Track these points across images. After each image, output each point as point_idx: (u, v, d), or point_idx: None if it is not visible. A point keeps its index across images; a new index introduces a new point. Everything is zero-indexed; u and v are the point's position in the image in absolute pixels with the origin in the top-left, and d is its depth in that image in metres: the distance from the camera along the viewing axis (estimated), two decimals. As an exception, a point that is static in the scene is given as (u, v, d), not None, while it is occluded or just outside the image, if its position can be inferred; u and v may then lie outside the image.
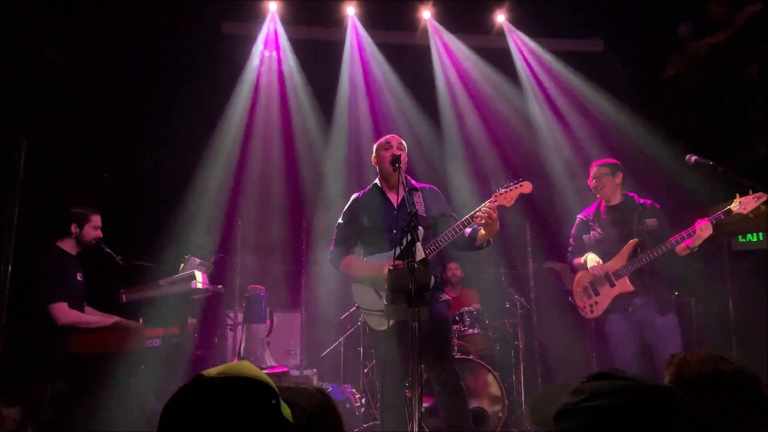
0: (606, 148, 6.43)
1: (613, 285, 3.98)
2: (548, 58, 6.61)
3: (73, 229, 3.97)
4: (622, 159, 6.28)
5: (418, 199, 3.60)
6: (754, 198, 3.60)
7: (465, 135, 6.74)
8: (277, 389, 1.14)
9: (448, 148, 6.75)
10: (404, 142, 3.74)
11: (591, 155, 6.46)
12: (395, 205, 3.60)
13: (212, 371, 1.11)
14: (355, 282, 3.68)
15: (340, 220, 3.78)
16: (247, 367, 1.13)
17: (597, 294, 4.08)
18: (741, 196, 3.64)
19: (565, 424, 1.03)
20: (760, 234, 5.28)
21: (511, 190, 3.41)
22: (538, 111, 6.67)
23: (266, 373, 1.15)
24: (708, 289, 5.10)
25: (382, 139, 3.74)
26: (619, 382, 1.03)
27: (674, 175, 6.05)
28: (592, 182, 4.20)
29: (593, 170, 4.21)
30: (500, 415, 4.70)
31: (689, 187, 5.93)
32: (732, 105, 5.48)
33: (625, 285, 3.94)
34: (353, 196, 3.82)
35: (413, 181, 3.78)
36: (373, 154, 3.75)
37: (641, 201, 4.14)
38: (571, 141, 6.60)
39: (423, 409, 3.30)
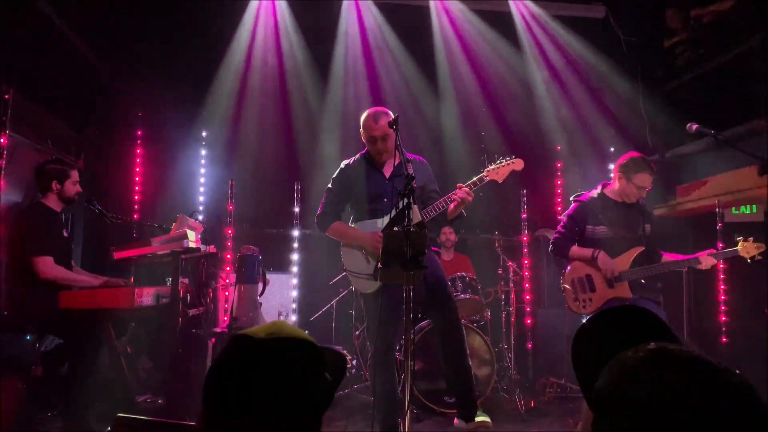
0: (605, 116, 6.38)
1: (611, 287, 3.85)
2: (550, 22, 6.49)
3: (54, 185, 3.94)
4: (620, 127, 6.28)
5: (409, 170, 3.60)
6: (756, 246, 3.71)
7: (462, 97, 6.65)
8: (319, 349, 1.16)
9: (444, 109, 6.67)
10: (390, 117, 3.41)
11: (590, 123, 6.42)
12: (386, 175, 3.64)
13: (258, 331, 1.11)
14: (344, 246, 3.72)
15: (329, 186, 3.78)
16: (290, 328, 1.15)
17: (593, 290, 3.90)
18: (744, 241, 3.74)
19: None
20: (754, 206, 5.29)
21: (503, 166, 3.48)
22: (537, 76, 6.58)
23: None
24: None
25: (368, 124, 3.58)
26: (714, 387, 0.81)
27: (673, 143, 6.04)
28: (639, 191, 3.90)
29: (652, 178, 3.90)
30: (490, 379, 4.75)
31: (686, 156, 5.93)
32: (734, 75, 5.41)
33: (623, 290, 3.83)
34: (343, 163, 3.80)
35: (406, 152, 3.73)
36: (361, 130, 3.67)
37: (643, 202, 4.04)
38: (570, 107, 6.53)
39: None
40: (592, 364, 1.03)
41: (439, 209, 3.47)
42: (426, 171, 3.75)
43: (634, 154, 3.99)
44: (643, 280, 3.90)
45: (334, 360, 1.24)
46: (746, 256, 3.71)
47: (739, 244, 3.75)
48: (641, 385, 0.83)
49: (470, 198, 3.39)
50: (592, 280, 3.92)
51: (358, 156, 3.80)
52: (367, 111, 3.66)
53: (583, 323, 1.22)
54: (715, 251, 3.83)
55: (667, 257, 3.93)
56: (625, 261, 3.87)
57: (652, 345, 0.89)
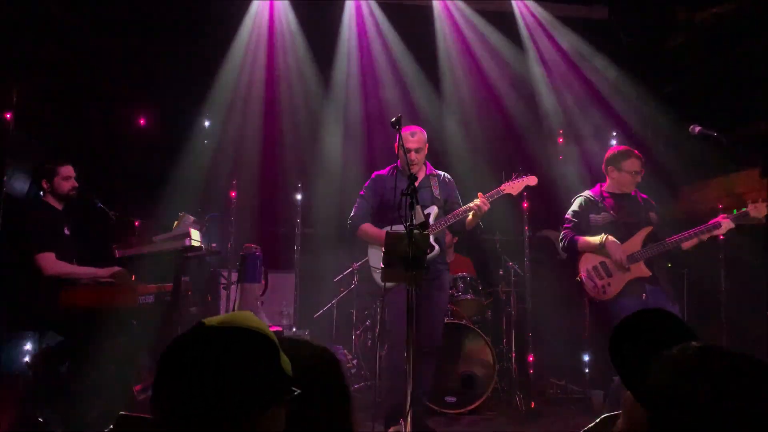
0: (607, 117, 6.37)
1: (627, 269, 3.85)
2: (552, 23, 6.48)
3: (44, 184, 3.93)
4: (622, 128, 6.27)
5: (434, 183, 4.07)
6: (767, 205, 3.77)
7: (464, 97, 6.64)
8: (277, 341, 1.13)
9: (446, 109, 6.67)
10: (424, 134, 4.03)
11: (592, 123, 6.42)
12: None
13: (213, 320, 1.11)
14: (370, 246, 4.10)
15: (361, 193, 4.17)
16: (249, 318, 1.13)
17: (609, 275, 3.88)
18: (752, 202, 3.79)
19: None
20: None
21: (518, 182, 3.97)
22: (539, 76, 6.57)
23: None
24: (701, 261, 5.11)
25: (404, 137, 3.88)
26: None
27: (675, 145, 6.03)
28: (633, 176, 4.03)
29: (641, 162, 4.05)
30: (490, 379, 4.75)
31: (689, 157, 5.92)
32: (736, 77, 5.41)
33: (641, 270, 3.83)
34: (375, 174, 4.20)
35: (433, 169, 4.18)
36: (396, 143, 4.00)
37: (643, 196, 4.14)
38: (572, 108, 6.53)
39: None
40: (632, 358, 1.11)
41: (457, 217, 3.88)
42: (450, 186, 4.17)
43: (617, 147, 4.25)
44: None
45: (310, 356, 1.23)
46: (759, 215, 3.73)
47: (749, 204, 3.78)
48: (696, 382, 0.90)
49: (486, 208, 3.81)
50: (606, 266, 3.91)
51: (390, 167, 4.19)
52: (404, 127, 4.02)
53: (621, 320, 1.25)
54: (730, 215, 3.84)
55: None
56: (636, 242, 3.90)
57: (695, 343, 0.97)
